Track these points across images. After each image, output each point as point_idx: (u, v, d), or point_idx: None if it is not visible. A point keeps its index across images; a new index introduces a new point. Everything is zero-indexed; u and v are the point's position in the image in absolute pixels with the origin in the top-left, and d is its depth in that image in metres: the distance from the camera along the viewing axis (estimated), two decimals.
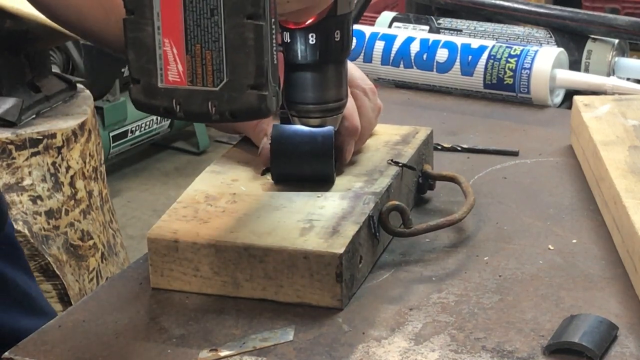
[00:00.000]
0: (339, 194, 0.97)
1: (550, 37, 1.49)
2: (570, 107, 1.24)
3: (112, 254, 2.09)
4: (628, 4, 2.90)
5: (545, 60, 1.35)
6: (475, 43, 1.40)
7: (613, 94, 1.32)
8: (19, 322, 1.13)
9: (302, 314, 0.88)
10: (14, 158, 1.87)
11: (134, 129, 3.45)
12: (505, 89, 1.38)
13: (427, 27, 1.56)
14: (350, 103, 0.99)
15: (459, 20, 1.56)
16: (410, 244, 0.99)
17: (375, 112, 1.05)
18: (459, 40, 1.42)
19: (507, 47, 1.38)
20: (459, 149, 1.20)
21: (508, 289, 0.91)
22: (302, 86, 0.94)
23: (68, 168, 1.95)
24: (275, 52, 0.77)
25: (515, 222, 1.03)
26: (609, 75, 1.44)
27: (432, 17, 1.58)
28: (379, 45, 1.46)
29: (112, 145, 3.37)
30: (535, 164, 1.18)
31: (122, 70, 3.25)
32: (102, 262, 2.03)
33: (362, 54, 1.47)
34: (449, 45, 1.41)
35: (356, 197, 0.96)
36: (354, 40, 1.46)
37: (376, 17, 1.63)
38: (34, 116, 1.95)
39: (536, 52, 1.36)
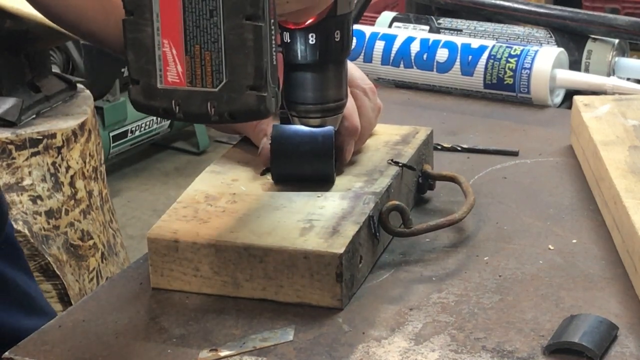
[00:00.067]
0: (339, 194, 0.97)
1: (550, 37, 1.49)
2: (570, 107, 1.24)
3: (112, 254, 2.09)
4: (628, 4, 2.90)
5: (545, 60, 1.35)
6: (475, 43, 1.40)
7: (613, 94, 1.32)
8: (19, 322, 1.13)
9: (302, 314, 0.88)
10: (14, 158, 1.87)
11: (134, 129, 3.45)
12: (505, 89, 1.38)
13: (427, 27, 1.56)
14: (350, 103, 0.99)
15: (459, 20, 1.56)
16: (410, 244, 0.99)
17: (375, 112, 1.05)
18: (459, 40, 1.42)
19: (507, 47, 1.38)
20: (459, 149, 1.20)
21: (508, 289, 0.91)
22: (302, 86, 0.94)
23: (68, 168, 1.95)
24: (274, 53, 0.77)
25: (515, 222, 1.03)
26: (609, 75, 1.44)
27: (432, 17, 1.58)
28: (379, 45, 1.46)
29: (112, 145, 3.37)
30: (535, 164, 1.18)
31: (122, 70, 3.25)
32: (102, 262, 2.03)
33: (362, 54, 1.47)
34: (449, 45, 1.41)
35: (356, 197, 0.96)
36: (354, 40, 1.46)
37: (376, 17, 1.63)
38: (34, 116, 1.95)
39: (536, 52, 1.36)
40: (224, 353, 0.83)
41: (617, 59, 1.46)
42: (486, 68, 1.38)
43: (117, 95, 3.33)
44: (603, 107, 1.17)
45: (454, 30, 1.54)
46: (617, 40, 1.46)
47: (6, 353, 0.84)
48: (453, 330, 0.85)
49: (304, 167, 0.97)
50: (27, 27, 1.88)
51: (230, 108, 0.76)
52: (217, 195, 0.97)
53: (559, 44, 1.47)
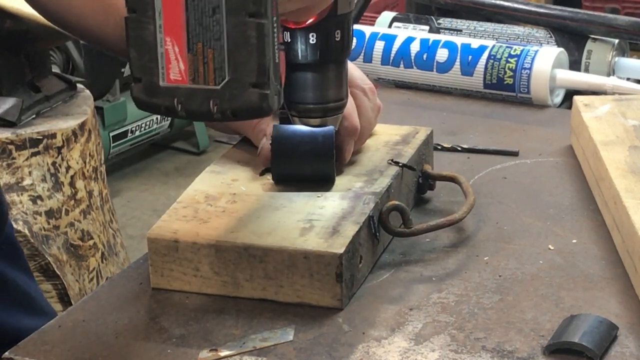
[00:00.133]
0: (339, 194, 0.97)
1: (550, 37, 1.49)
2: (570, 107, 1.24)
3: (112, 254, 2.09)
4: (628, 4, 2.90)
5: (545, 60, 1.35)
6: (475, 43, 1.40)
7: (613, 94, 1.32)
8: (19, 322, 1.13)
9: (302, 314, 0.88)
10: (14, 158, 1.87)
11: (134, 129, 3.45)
12: (505, 89, 1.38)
13: (427, 27, 1.56)
14: (350, 103, 0.99)
15: (459, 20, 1.56)
16: (410, 244, 0.99)
17: (374, 112, 1.04)
18: (459, 40, 1.42)
19: (507, 47, 1.38)
20: (459, 149, 1.20)
21: (508, 289, 0.91)
22: (302, 86, 0.94)
23: (68, 168, 1.95)
24: (276, 51, 0.77)
25: (515, 222, 1.03)
26: (609, 75, 1.44)
27: (432, 17, 1.58)
28: (379, 45, 1.46)
29: (112, 145, 3.37)
30: (535, 164, 1.18)
31: (122, 70, 3.25)
32: (102, 262, 2.03)
33: (362, 54, 1.47)
34: (449, 45, 1.41)
35: (356, 197, 0.96)
36: (354, 40, 1.46)
37: (376, 17, 1.63)
38: (34, 116, 1.95)
39: (536, 52, 1.36)
40: (224, 353, 0.83)
41: (617, 59, 1.46)
42: (486, 68, 1.38)
43: (117, 95, 3.33)
44: (603, 107, 1.17)
45: (454, 30, 1.54)
46: (617, 40, 1.46)
47: (6, 353, 0.84)
48: (453, 330, 0.85)
49: (304, 167, 0.97)
50: (27, 27, 1.88)
51: (233, 106, 0.76)
52: (217, 195, 0.97)
53: (559, 44, 1.47)
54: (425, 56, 1.42)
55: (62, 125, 1.94)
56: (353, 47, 1.36)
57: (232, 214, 0.93)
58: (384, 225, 0.95)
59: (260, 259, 0.88)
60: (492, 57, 1.38)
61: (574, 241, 0.99)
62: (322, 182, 0.98)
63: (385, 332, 0.85)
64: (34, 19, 1.79)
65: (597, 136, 1.09)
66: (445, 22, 1.56)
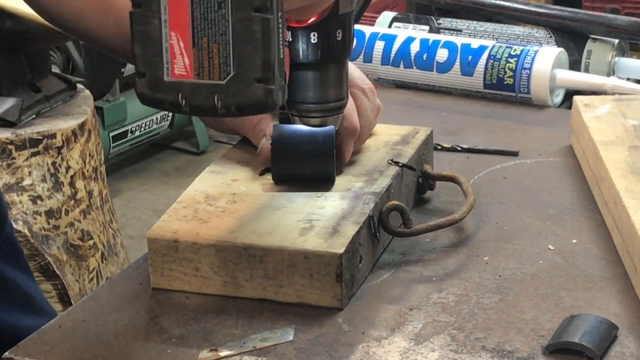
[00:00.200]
0: (339, 194, 0.97)
1: (550, 37, 1.49)
2: (570, 107, 1.24)
3: (112, 254, 2.09)
4: (628, 4, 2.90)
5: (545, 60, 1.35)
6: (475, 43, 1.40)
7: (613, 94, 1.32)
8: (18, 322, 1.13)
9: (302, 314, 0.88)
10: (14, 158, 1.87)
11: (134, 129, 3.45)
12: (505, 89, 1.38)
13: (427, 27, 1.56)
14: (350, 103, 0.99)
15: (459, 20, 1.56)
16: (410, 244, 0.99)
17: (374, 112, 1.04)
18: (459, 40, 1.42)
19: (507, 47, 1.38)
20: (459, 149, 1.20)
21: (508, 289, 0.91)
22: (303, 85, 0.94)
23: (68, 168, 1.95)
24: (281, 46, 0.77)
25: (515, 222, 1.03)
26: (609, 75, 1.44)
27: (432, 17, 1.58)
28: (379, 45, 1.46)
29: (112, 145, 3.37)
30: (535, 164, 1.18)
31: (122, 70, 3.25)
32: (102, 262, 2.03)
33: (362, 54, 1.47)
34: (449, 45, 1.41)
35: (356, 197, 0.96)
36: (354, 40, 1.46)
37: (376, 17, 1.63)
38: (34, 116, 1.95)
39: (536, 52, 1.36)
40: (224, 353, 0.83)
41: (617, 59, 1.46)
42: (486, 68, 1.38)
43: (117, 95, 3.33)
44: (603, 107, 1.17)
45: (454, 30, 1.54)
46: (617, 40, 1.46)
47: (6, 353, 0.84)
48: (453, 330, 0.85)
49: (305, 167, 0.97)
50: (27, 27, 1.88)
51: (238, 101, 0.76)
52: (217, 195, 0.97)
53: (559, 44, 1.47)
54: (425, 56, 1.42)
55: (62, 125, 1.95)
56: (353, 47, 1.36)
57: (232, 214, 0.93)
58: (384, 225, 0.95)
59: (260, 259, 0.88)
60: (492, 57, 1.38)
61: (574, 241, 0.99)
62: (322, 182, 0.98)
63: (385, 332, 0.85)
64: (34, 19, 1.79)
65: (597, 136, 1.09)
66: (445, 22, 1.56)
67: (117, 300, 0.91)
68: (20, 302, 1.16)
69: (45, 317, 1.07)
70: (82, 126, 1.98)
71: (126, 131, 3.42)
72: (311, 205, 0.95)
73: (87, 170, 2.00)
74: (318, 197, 0.96)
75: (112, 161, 3.42)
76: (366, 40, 1.47)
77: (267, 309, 0.88)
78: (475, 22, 1.54)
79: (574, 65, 1.45)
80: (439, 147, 1.19)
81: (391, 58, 1.45)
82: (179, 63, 0.77)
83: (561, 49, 1.39)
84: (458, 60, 1.40)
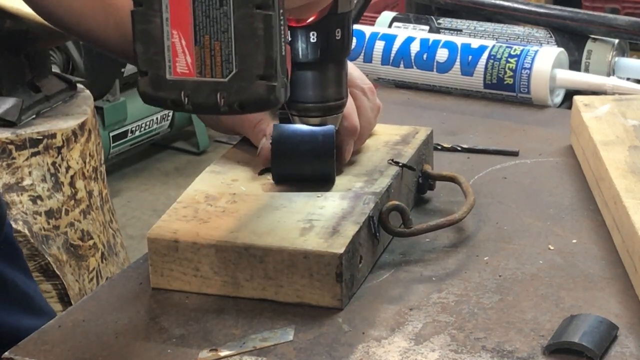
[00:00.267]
0: (339, 194, 0.97)
1: (550, 37, 1.49)
2: (570, 107, 1.24)
3: (112, 254, 2.09)
4: (628, 4, 2.90)
5: (545, 60, 1.35)
6: (475, 43, 1.40)
7: (613, 94, 1.32)
8: (18, 322, 1.13)
9: (302, 314, 0.88)
10: (14, 158, 1.87)
11: (134, 129, 3.45)
12: (505, 89, 1.38)
13: (427, 27, 1.56)
14: (349, 103, 0.99)
15: (459, 20, 1.56)
16: (410, 244, 0.99)
17: (374, 112, 1.04)
18: (459, 40, 1.42)
19: (507, 47, 1.38)
20: (459, 149, 1.20)
21: (508, 289, 0.91)
22: (302, 85, 0.94)
23: (68, 168, 1.95)
24: (283, 43, 0.77)
25: (515, 222, 1.03)
26: (609, 75, 1.44)
27: (432, 17, 1.58)
28: (379, 45, 1.46)
29: (112, 145, 3.37)
30: (535, 164, 1.18)
31: (122, 70, 3.25)
32: (102, 262, 2.03)
33: (362, 54, 1.47)
34: (449, 45, 1.41)
35: (356, 197, 0.96)
36: (354, 40, 1.46)
37: (376, 17, 1.63)
38: (34, 116, 1.95)
39: (536, 52, 1.36)
40: (224, 353, 0.83)
41: (617, 59, 1.46)
42: (486, 68, 1.38)
43: (117, 95, 3.32)
44: (603, 107, 1.17)
45: (454, 30, 1.54)
46: (617, 40, 1.46)
47: (6, 353, 0.84)
48: (453, 330, 0.85)
49: (305, 167, 0.97)
50: (27, 27, 1.88)
51: (240, 98, 0.76)
52: (217, 195, 0.97)
53: (559, 44, 1.47)
54: (425, 56, 1.42)
55: (62, 125, 1.94)
56: (353, 47, 1.36)
57: (232, 214, 0.93)
58: (384, 225, 0.95)
59: (260, 259, 0.88)
60: (492, 57, 1.38)
61: (574, 241, 0.99)
62: (322, 182, 0.98)
63: (385, 332, 0.85)
64: (34, 19, 1.79)
65: (597, 136, 1.09)
66: (445, 22, 1.56)
67: (117, 300, 0.91)
68: (20, 302, 1.16)
69: (45, 317, 1.07)
70: (82, 126, 1.98)
71: (126, 131, 3.42)
72: (311, 205, 0.95)
73: (87, 170, 2.00)
74: (318, 197, 0.96)
75: (112, 161, 3.42)
76: (366, 40, 1.47)
77: (267, 309, 0.88)
78: (475, 22, 1.54)
79: (574, 65, 1.45)
80: (439, 147, 1.19)
81: (391, 58, 1.45)
82: (181, 61, 0.76)
83: (561, 49, 1.39)
84: (458, 60, 1.40)
